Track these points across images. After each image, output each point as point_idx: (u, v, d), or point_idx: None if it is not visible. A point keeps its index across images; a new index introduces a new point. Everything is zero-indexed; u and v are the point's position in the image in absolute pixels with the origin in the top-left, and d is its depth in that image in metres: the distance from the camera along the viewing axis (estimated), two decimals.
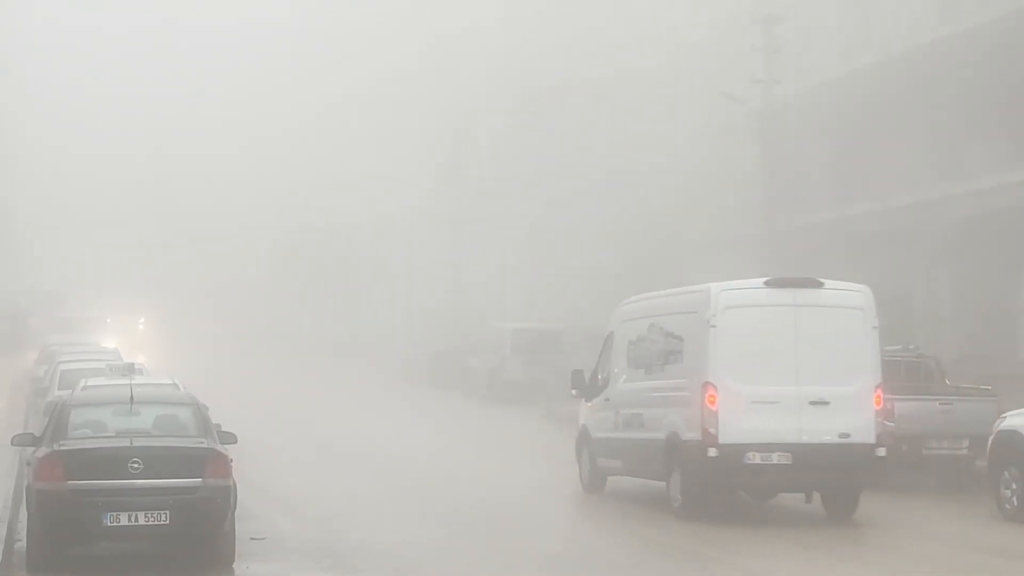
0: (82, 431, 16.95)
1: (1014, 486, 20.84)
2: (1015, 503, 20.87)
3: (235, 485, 16.74)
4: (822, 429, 20.10)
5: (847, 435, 20.18)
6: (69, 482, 15.96)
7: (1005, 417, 21.74)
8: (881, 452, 20.50)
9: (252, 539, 18.35)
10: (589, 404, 24.47)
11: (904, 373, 26.40)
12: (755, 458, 20.04)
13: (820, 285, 20.78)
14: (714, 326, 20.18)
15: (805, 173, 44.75)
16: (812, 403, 20.12)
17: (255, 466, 24.92)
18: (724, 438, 19.94)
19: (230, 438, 17.60)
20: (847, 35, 42.79)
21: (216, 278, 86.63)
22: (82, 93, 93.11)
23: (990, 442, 21.64)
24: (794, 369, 20.17)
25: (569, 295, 56.50)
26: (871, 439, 20.33)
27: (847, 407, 20.25)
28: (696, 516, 20.36)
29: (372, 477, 26.53)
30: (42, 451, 16.59)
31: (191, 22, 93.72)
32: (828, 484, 20.69)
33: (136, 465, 16.06)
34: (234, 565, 16.80)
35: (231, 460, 16.79)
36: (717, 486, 20.58)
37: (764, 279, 21.41)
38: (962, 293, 37.17)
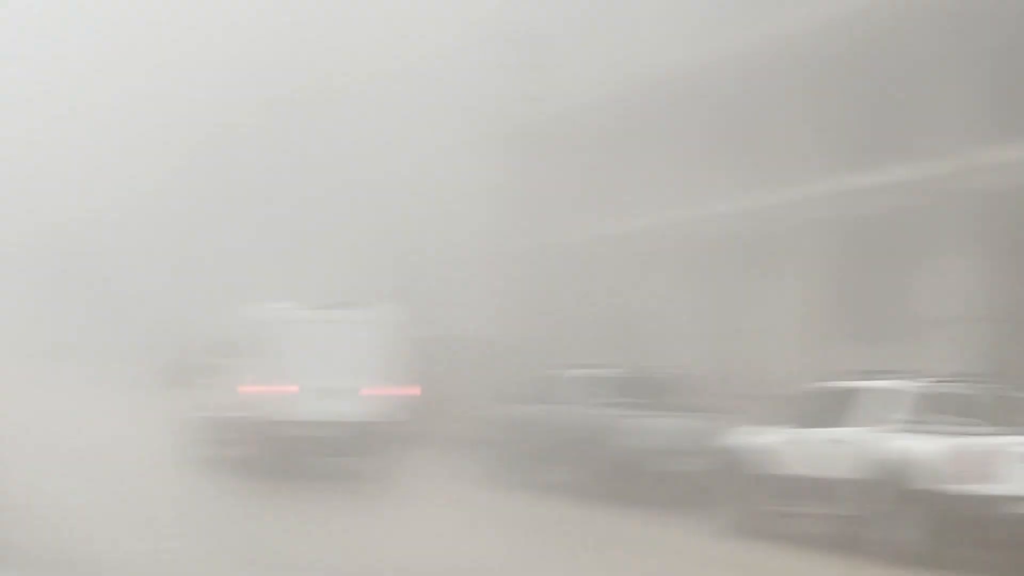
0: None
1: None
2: None
3: None
4: (346, 410, 27.10)
5: (365, 414, 27.25)
6: None
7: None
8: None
9: None
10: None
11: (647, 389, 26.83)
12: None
13: (350, 306, 28.15)
14: (275, 335, 27.25)
15: (556, 191, 45.10)
16: (341, 390, 27.05)
17: None
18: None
19: None
20: (605, 56, 43.20)
21: None
22: None
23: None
24: (330, 366, 27.08)
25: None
26: (382, 418, 27.34)
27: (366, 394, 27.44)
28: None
29: (107, 482, 25.97)
30: None
31: None
32: (360, 451, 27.54)
33: None
34: None
35: None
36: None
37: (311, 302, 28.41)
38: (705, 310, 37.82)
